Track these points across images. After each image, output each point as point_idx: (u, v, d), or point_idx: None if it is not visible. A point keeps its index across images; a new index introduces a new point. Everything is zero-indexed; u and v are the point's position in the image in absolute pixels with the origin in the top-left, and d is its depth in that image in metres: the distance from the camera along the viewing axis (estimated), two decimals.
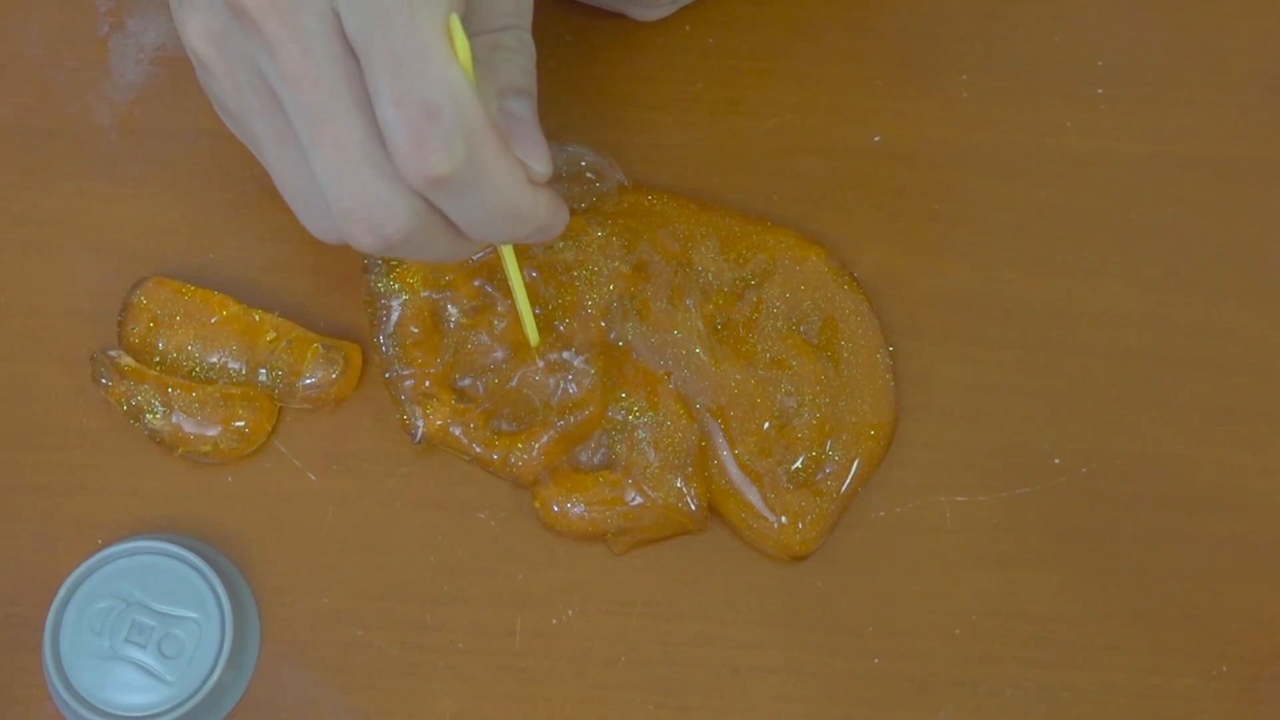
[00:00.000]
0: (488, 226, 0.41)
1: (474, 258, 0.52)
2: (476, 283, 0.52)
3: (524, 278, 0.49)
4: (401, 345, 0.51)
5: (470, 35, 0.39)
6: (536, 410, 0.51)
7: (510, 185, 0.40)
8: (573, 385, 0.51)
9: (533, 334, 0.51)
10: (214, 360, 0.51)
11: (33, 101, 0.55)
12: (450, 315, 0.52)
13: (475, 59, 0.41)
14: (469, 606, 0.51)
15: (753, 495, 0.51)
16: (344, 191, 0.39)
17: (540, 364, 0.51)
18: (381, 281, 0.52)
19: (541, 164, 0.42)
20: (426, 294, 0.52)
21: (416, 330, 0.51)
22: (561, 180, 0.54)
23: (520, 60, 0.43)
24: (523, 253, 0.52)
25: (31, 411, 0.52)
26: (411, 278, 0.52)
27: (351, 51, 0.38)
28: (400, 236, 0.40)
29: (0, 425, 0.52)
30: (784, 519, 0.50)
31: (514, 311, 0.51)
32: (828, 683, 0.50)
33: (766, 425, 0.51)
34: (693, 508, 0.50)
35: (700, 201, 0.54)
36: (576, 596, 0.51)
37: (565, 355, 0.51)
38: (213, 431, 0.50)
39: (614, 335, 0.51)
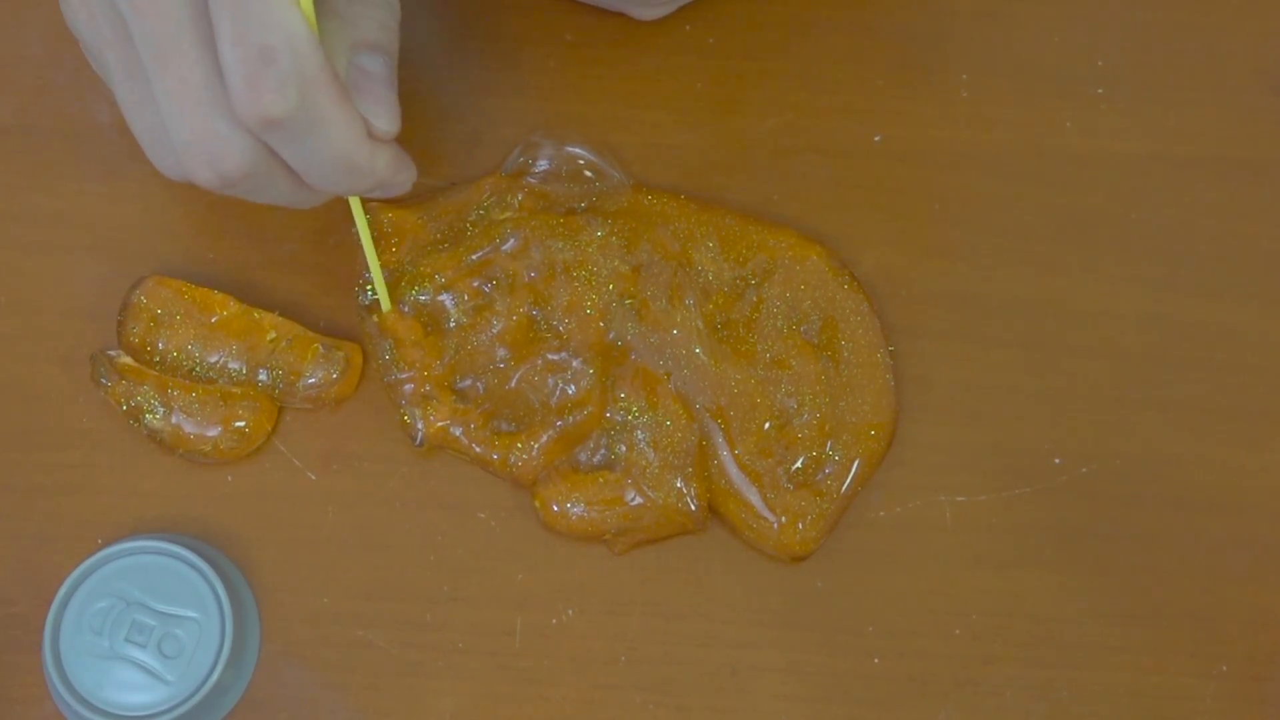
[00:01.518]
0: (323, 175, 0.42)
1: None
2: (475, 283, 0.52)
3: (372, 233, 0.50)
4: (399, 349, 0.51)
5: None
6: (535, 411, 0.51)
7: (345, 137, 0.41)
8: (571, 386, 0.51)
9: (384, 298, 0.51)
10: (214, 360, 0.51)
11: (33, 101, 0.55)
12: (450, 316, 0.52)
13: (333, 11, 0.42)
14: (469, 606, 0.51)
15: (753, 495, 0.51)
16: (185, 125, 0.40)
17: (540, 361, 0.51)
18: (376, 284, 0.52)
19: (385, 121, 0.43)
20: (425, 296, 0.52)
21: (412, 334, 0.51)
22: (561, 179, 0.54)
23: (379, 15, 0.44)
24: (520, 255, 0.52)
25: (31, 411, 0.52)
26: (405, 281, 0.52)
27: None
28: (238, 174, 0.41)
29: (0, 425, 0.52)
30: (784, 519, 0.50)
31: (513, 311, 0.51)
32: (828, 683, 0.50)
33: (767, 425, 0.51)
34: (693, 508, 0.50)
35: (700, 201, 0.54)
36: (576, 596, 0.51)
37: (564, 356, 0.51)
38: (213, 432, 0.50)
39: (613, 335, 0.51)
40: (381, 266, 0.52)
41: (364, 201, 0.50)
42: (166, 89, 0.40)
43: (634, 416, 0.51)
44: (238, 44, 0.38)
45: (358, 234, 0.49)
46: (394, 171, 0.44)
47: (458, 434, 0.51)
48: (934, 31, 0.58)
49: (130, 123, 0.44)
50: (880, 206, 0.55)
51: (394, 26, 0.45)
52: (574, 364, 0.51)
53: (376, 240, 0.52)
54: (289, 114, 0.39)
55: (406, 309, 0.52)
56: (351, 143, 0.41)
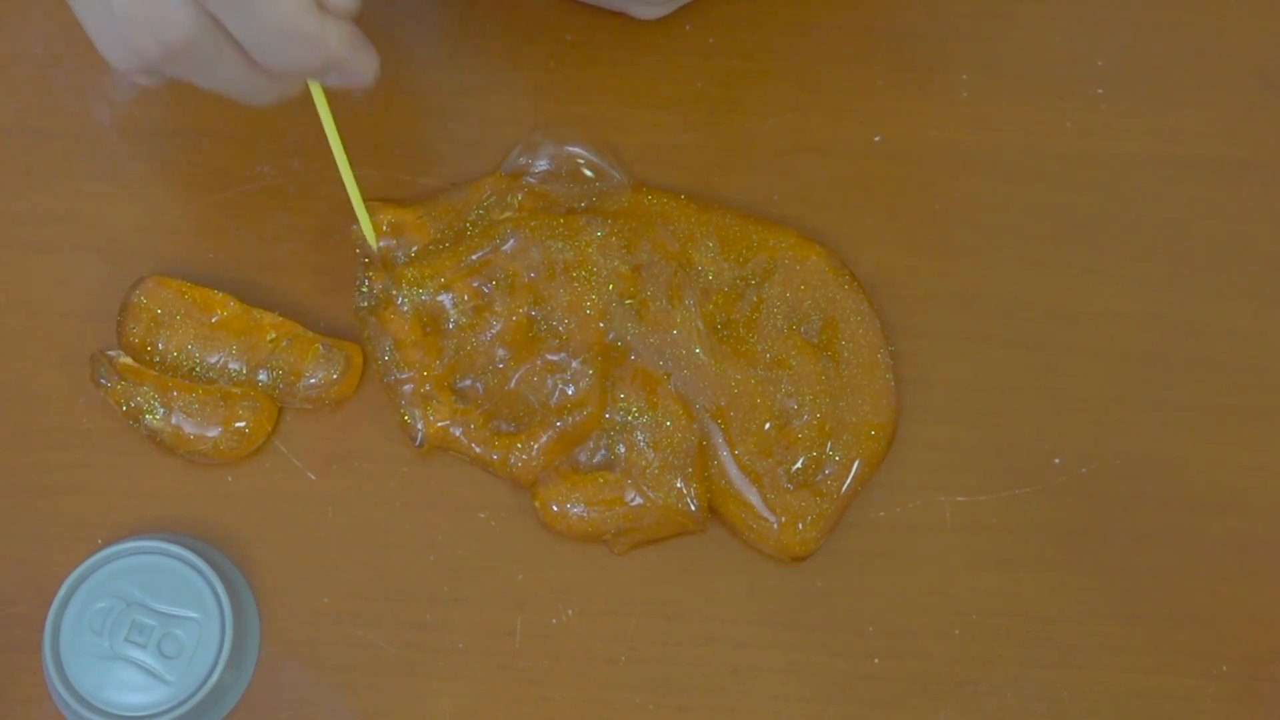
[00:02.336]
0: (269, 47, 0.41)
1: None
2: (475, 283, 0.52)
3: (359, 187, 0.49)
4: (398, 349, 0.51)
5: None
6: (535, 411, 0.51)
7: (288, 1, 0.40)
8: (570, 386, 0.51)
9: (366, 228, 0.51)
10: (214, 360, 0.51)
11: (33, 101, 0.55)
12: (450, 316, 0.52)
13: None
14: (469, 606, 0.51)
15: (752, 496, 0.51)
16: None
17: (539, 362, 0.51)
18: (374, 286, 0.52)
19: None
20: (424, 296, 0.52)
21: (411, 332, 0.51)
22: (561, 179, 0.54)
23: None
24: (520, 255, 0.52)
25: (31, 411, 0.52)
26: (406, 283, 0.52)
27: None
28: (181, 42, 0.40)
29: (0, 425, 0.52)
30: (784, 519, 0.50)
31: (513, 311, 0.51)
32: (828, 683, 0.50)
33: (767, 426, 0.51)
34: (693, 508, 0.50)
35: (700, 201, 0.54)
36: (576, 596, 0.51)
37: (563, 356, 0.51)
38: (213, 432, 0.50)
39: (613, 336, 0.51)
40: (381, 267, 0.52)
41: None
42: None
43: (634, 417, 0.51)
44: None
45: (336, 162, 0.48)
46: (348, 49, 0.43)
47: (457, 434, 0.51)
48: (934, 31, 0.58)
49: (78, 11, 0.43)
50: (880, 206, 0.55)
51: None
52: (573, 364, 0.51)
53: (376, 237, 0.52)
54: None
55: (406, 309, 0.52)
56: (296, 8, 0.40)
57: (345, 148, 0.48)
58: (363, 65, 0.44)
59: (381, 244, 0.52)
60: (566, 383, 0.51)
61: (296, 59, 0.42)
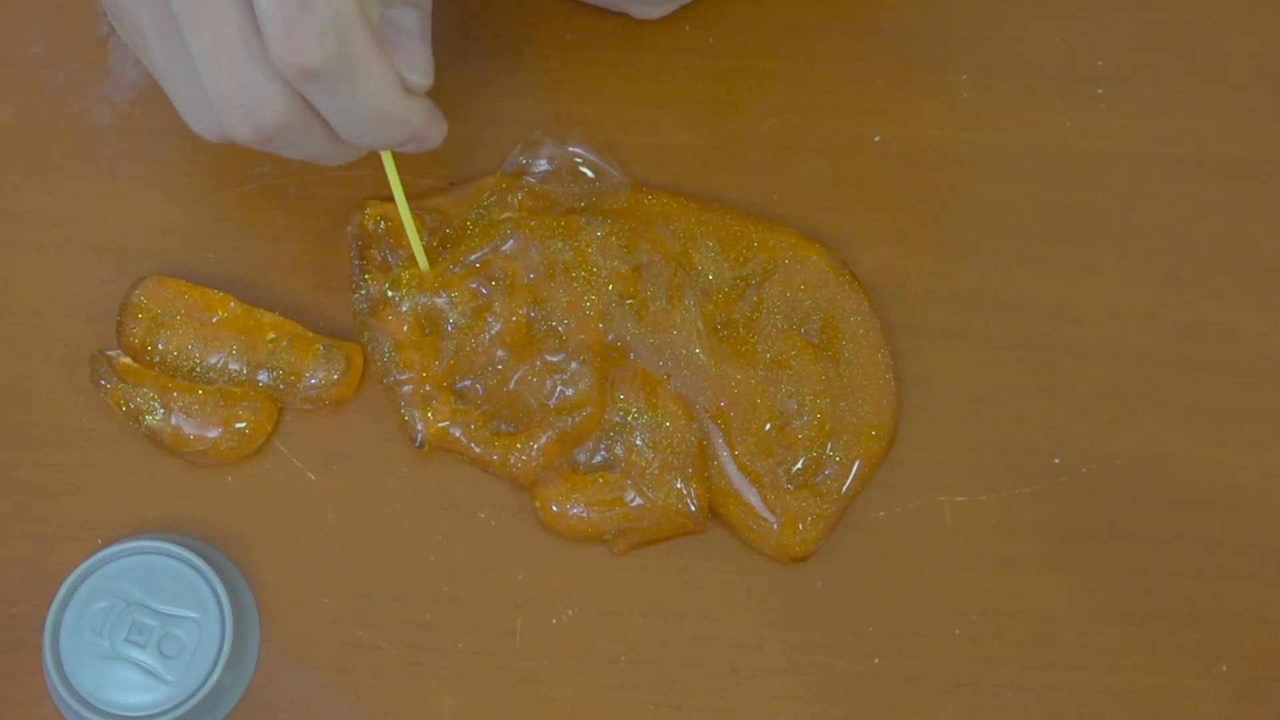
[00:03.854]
0: (359, 127, 0.43)
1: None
2: (475, 284, 0.52)
3: (418, 234, 0.50)
4: (398, 350, 0.51)
5: None
6: (534, 412, 0.51)
7: (381, 87, 0.42)
8: (570, 388, 0.51)
9: (421, 258, 0.51)
10: (214, 361, 0.51)
11: (33, 101, 0.55)
12: (449, 317, 0.52)
13: None
14: (469, 606, 0.51)
15: (752, 496, 0.51)
16: (221, 78, 0.41)
17: (538, 362, 0.51)
18: (372, 288, 0.52)
19: (419, 75, 0.44)
20: (424, 298, 0.52)
21: (410, 333, 0.51)
22: (561, 179, 0.54)
23: None
24: (520, 255, 0.52)
25: (31, 411, 0.52)
26: (404, 283, 0.52)
27: None
28: (275, 127, 0.41)
29: (0, 425, 0.52)
30: (783, 520, 0.50)
31: (512, 312, 0.51)
32: (828, 683, 0.50)
33: (768, 426, 0.51)
34: (693, 509, 0.50)
35: (700, 201, 0.54)
36: (576, 596, 0.51)
37: (562, 358, 0.51)
38: (213, 433, 0.50)
39: (613, 336, 0.51)
40: (379, 269, 0.52)
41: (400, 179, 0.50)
42: (201, 43, 0.40)
43: (633, 417, 0.51)
44: None
45: (394, 197, 0.49)
46: (427, 123, 0.44)
47: (457, 434, 0.51)
48: (934, 31, 0.58)
49: (164, 84, 0.44)
50: (880, 206, 0.55)
51: None
52: (572, 366, 0.51)
53: (374, 241, 0.52)
54: (327, 63, 0.40)
55: (405, 310, 0.52)
56: (387, 93, 0.42)
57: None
58: (435, 134, 0.45)
59: (386, 255, 0.52)
60: (566, 384, 0.51)
61: (382, 137, 0.44)
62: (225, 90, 0.41)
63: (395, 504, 0.52)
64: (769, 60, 0.57)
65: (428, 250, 0.52)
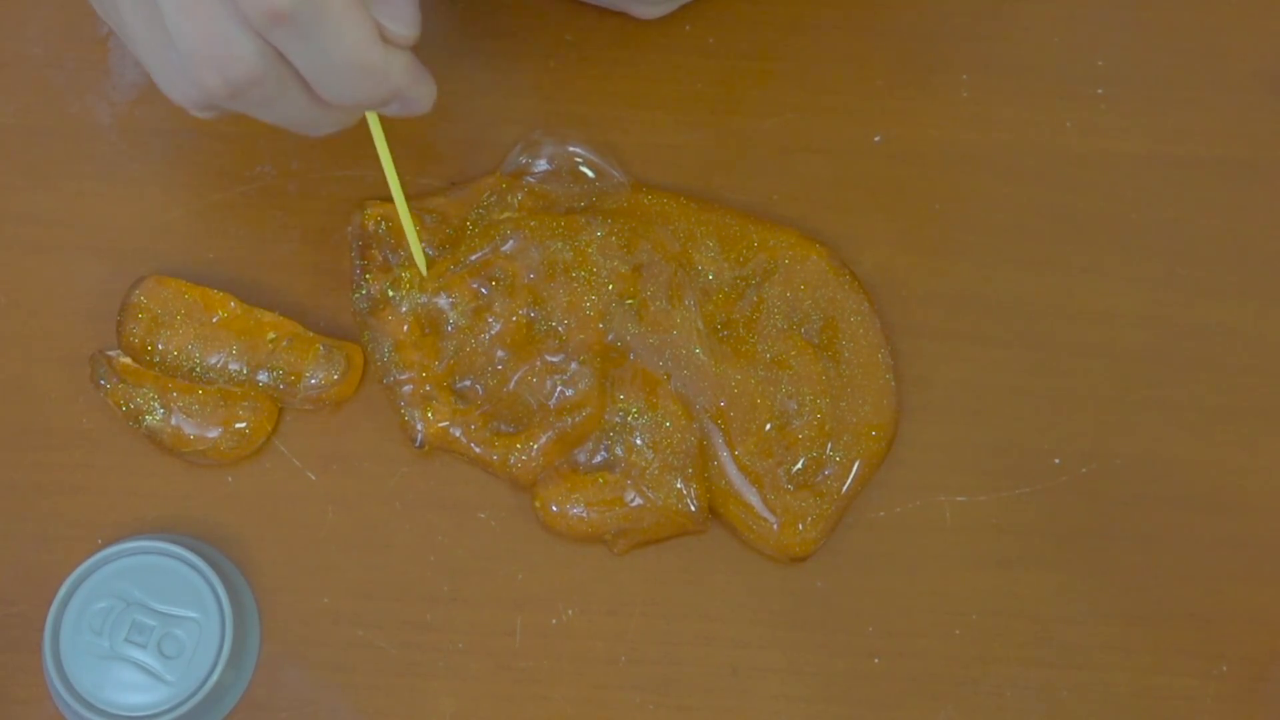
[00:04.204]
0: (334, 80, 0.41)
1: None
2: (474, 284, 0.52)
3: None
4: (397, 351, 0.51)
5: None
6: (534, 413, 0.51)
7: (355, 35, 0.40)
8: (569, 389, 0.51)
9: (420, 261, 0.50)
10: (214, 361, 0.51)
11: (33, 101, 0.55)
12: (449, 318, 0.52)
13: None
14: (469, 606, 0.51)
15: (752, 497, 0.51)
16: (190, 30, 0.40)
17: (538, 363, 0.51)
18: (372, 288, 0.52)
19: (402, 25, 0.42)
20: (424, 298, 0.52)
21: (410, 333, 0.51)
22: (561, 179, 0.54)
23: None
24: (520, 255, 0.52)
25: (31, 411, 0.52)
26: (404, 284, 0.52)
27: None
28: (247, 78, 0.40)
29: (0, 425, 0.52)
30: (784, 520, 0.50)
31: (512, 312, 0.51)
32: (828, 683, 0.50)
33: (768, 427, 0.51)
34: (693, 509, 0.50)
35: (700, 201, 0.54)
36: (576, 596, 0.51)
37: (562, 358, 0.51)
38: (213, 433, 0.50)
39: (612, 336, 0.51)
40: (379, 269, 0.52)
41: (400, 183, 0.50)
42: None
43: (633, 418, 0.51)
44: None
45: (387, 179, 0.48)
46: (410, 80, 0.43)
47: (457, 435, 0.51)
48: (934, 31, 0.58)
49: (137, 51, 0.43)
50: (880, 206, 0.55)
51: None
52: (572, 366, 0.51)
53: (374, 241, 0.52)
54: (295, 6, 0.38)
55: (405, 310, 0.52)
56: (362, 42, 0.40)
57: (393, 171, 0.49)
58: (422, 94, 0.43)
59: (386, 255, 0.52)
60: (566, 384, 0.51)
61: (361, 92, 0.42)
62: (195, 41, 0.40)
63: (395, 504, 0.52)
64: (769, 60, 0.57)
65: (428, 260, 0.52)
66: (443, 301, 0.51)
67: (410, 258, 0.52)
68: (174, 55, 0.42)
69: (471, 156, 0.55)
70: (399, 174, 0.49)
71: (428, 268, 0.52)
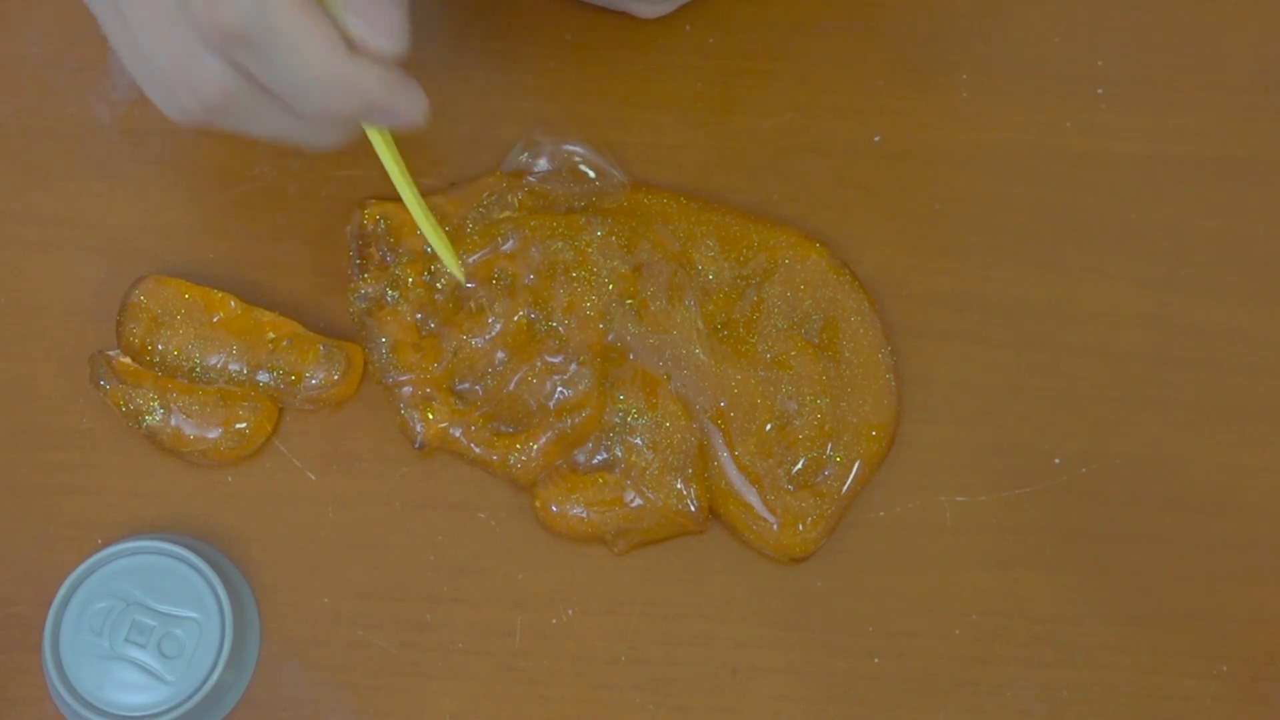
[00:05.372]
0: (301, 94, 0.40)
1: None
2: (471, 285, 0.52)
3: (420, 196, 0.48)
4: (396, 352, 0.51)
5: None
6: (534, 414, 0.51)
7: (313, 48, 0.39)
8: (569, 390, 0.51)
9: (452, 264, 0.50)
10: (214, 362, 0.51)
11: (33, 101, 0.55)
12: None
13: None
14: (469, 606, 0.51)
15: (752, 497, 0.51)
16: (160, 51, 0.40)
17: (538, 364, 0.51)
18: (370, 288, 0.52)
19: (382, 37, 0.40)
20: (418, 297, 0.52)
21: (409, 334, 0.51)
22: (561, 179, 0.54)
23: None
24: (520, 255, 0.52)
25: (31, 411, 0.52)
26: (400, 282, 0.52)
27: None
28: (218, 98, 0.40)
29: (0, 425, 0.52)
30: (783, 520, 0.50)
31: (512, 313, 0.51)
32: (828, 683, 0.50)
33: (769, 427, 0.51)
34: (693, 509, 0.50)
35: (700, 201, 0.54)
36: (576, 596, 0.51)
37: (561, 359, 0.51)
38: (213, 434, 0.50)
39: (613, 337, 0.51)
40: (379, 269, 0.52)
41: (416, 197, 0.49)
42: (138, 19, 0.40)
43: (633, 418, 0.51)
44: None
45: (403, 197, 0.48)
46: (389, 92, 0.41)
47: (457, 435, 0.51)
48: (934, 31, 0.58)
49: (129, 69, 0.43)
50: (880, 206, 0.55)
51: None
52: (572, 367, 0.51)
53: (374, 241, 0.52)
54: (244, 24, 0.38)
55: (402, 310, 0.52)
56: (323, 54, 0.39)
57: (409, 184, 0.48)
58: (407, 107, 0.42)
59: (385, 255, 0.52)
60: (565, 385, 0.51)
61: (331, 105, 0.40)
62: (165, 65, 0.40)
63: (395, 504, 0.52)
64: (769, 60, 0.57)
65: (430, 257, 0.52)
66: (440, 304, 0.51)
67: (410, 257, 0.52)
68: (155, 75, 0.42)
69: (471, 156, 0.55)
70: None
71: (409, 264, 0.52)
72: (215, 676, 0.48)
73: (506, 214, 0.53)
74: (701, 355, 0.51)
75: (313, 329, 0.52)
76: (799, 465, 0.51)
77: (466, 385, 0.51)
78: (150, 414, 0.50)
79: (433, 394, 0.51)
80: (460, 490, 0.52)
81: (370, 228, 0.53)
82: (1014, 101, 0.57)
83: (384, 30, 0.40)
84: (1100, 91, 0.57)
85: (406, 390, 0.51)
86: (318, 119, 0.42)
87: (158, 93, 0.43)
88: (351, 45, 0.40)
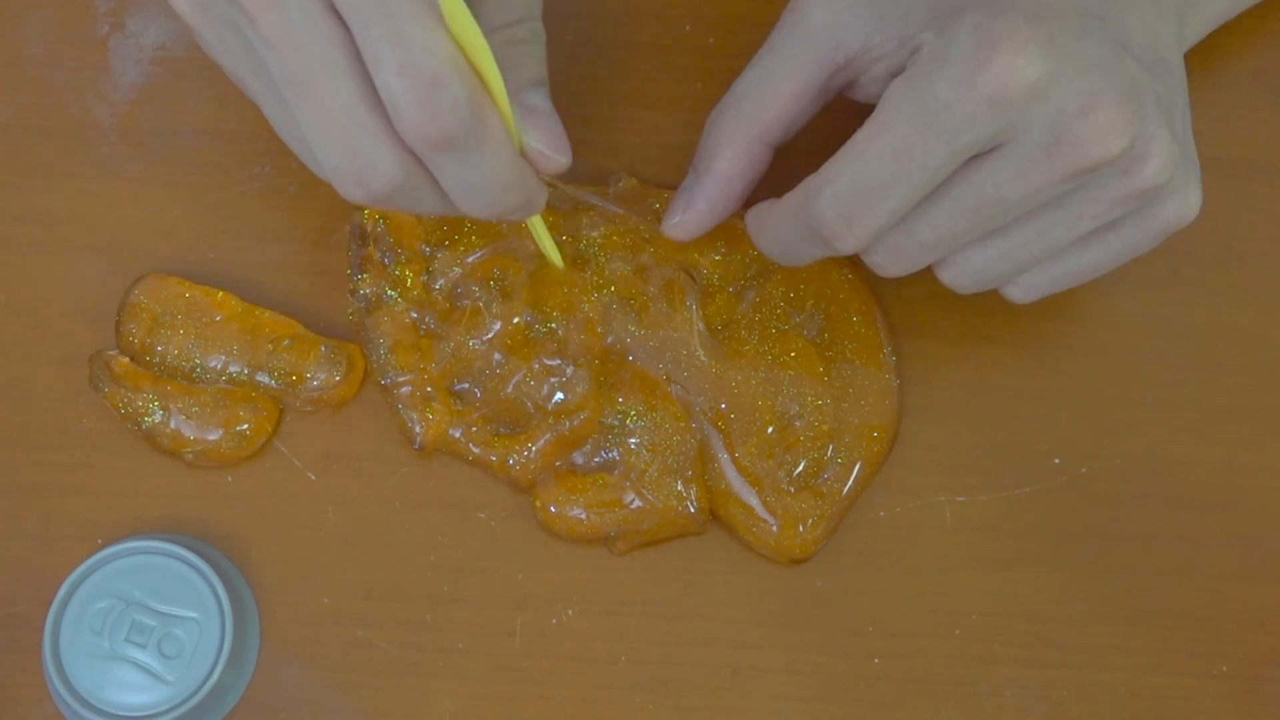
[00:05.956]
0: (475, 193, 0.43)
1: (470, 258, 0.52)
2: (473, 285, 0.52)
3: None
4: (394, 352, 0.51)
5: (486, 33, 0.41)
6: (531, 416, 0.51)
7: (505, 156, 0.42)
8: (566, 393, 0.51)
9: (554, 256, 0.51)
10: (214, 364, 0.51)
11: (33, 101, 0.55)
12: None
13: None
14: (469, 606, 0.51)
15: (752, 499, 0.51)
16: (330, 150, 0.41)
17: (536, 366, 0.51)
18: (369, 288, 0.52)
19: (558, 151, 0.44)
20: (417, 297, 0.52)
21: (408, 334, 0.51)
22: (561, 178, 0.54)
23: (534, 51, 0.46)
24: (519, 255, 0.52)
25: (31, 412, 0.52)
26: (399, 282, 0.52)
27: (334, 12, 0.40)
28: (386, 192, 0.42)
29: (0, 425, 0.52)
30: (784, 522, 0.50)
31: (511, 314, 0.51)
32: (828, 683, 0.50)
33: (770, 429, 0.51)
34: (692, 510, 0.50)
35: None
36: (576, 596, 0.51)
37: (559, 362, 0.51)
38: (213, 435, 0.50)
39: (612, 339, 0.51)
40: (378, 269, 0.52)
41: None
42: (309, 118, 0.41)
43: (633, 420, 0.51)
44: (403, 72, 0.39)
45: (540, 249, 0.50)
46: (541, 192, 0.45)
47: (456, 436, 0.51)
48: None
49: (280, 134, 0.45)
50: None
51: (544, 57, 0.46)
52: (569, 370, 0.51)
53: (373, 241, 0.52)
54: (463, 133, 0.40)
55: (401, 311, 0.52)
56: (509, 163, 0.42)
57: None
58: (541, 203, 0.45)
59: (384, 255, 0.52)
60: (563, 387, 0.51)
61: (497, 204, 0.44)
62: (336, 160, 0.42)
63: (395, 504, 0.52)
64: None
65: (443, 257, 0.52)
66: (440, 302, 0.51)
67: (409, 257, 0.52)
68: (321, 166, 0.43)
69: None
70: None
71: (408, 265, 0.52)
72: (215, 676, 0.48)
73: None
74: (702, 357, 0.51)
75: (313, 329, 0.52)
76: (800, 467, 0.51)
77: (465, 386, 0.51)
78: (149, 416, 0.50)
79: (432, 394, 0.51)
80: (460, 490, 0.52)
81: (369, 228, 0.52)
82: None
83: (558, 148, 0.44)
84: None
85: (405, 390, 0.51)
86: (475, 213, 0.44)
87: (316, 167, 0.45)
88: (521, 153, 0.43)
